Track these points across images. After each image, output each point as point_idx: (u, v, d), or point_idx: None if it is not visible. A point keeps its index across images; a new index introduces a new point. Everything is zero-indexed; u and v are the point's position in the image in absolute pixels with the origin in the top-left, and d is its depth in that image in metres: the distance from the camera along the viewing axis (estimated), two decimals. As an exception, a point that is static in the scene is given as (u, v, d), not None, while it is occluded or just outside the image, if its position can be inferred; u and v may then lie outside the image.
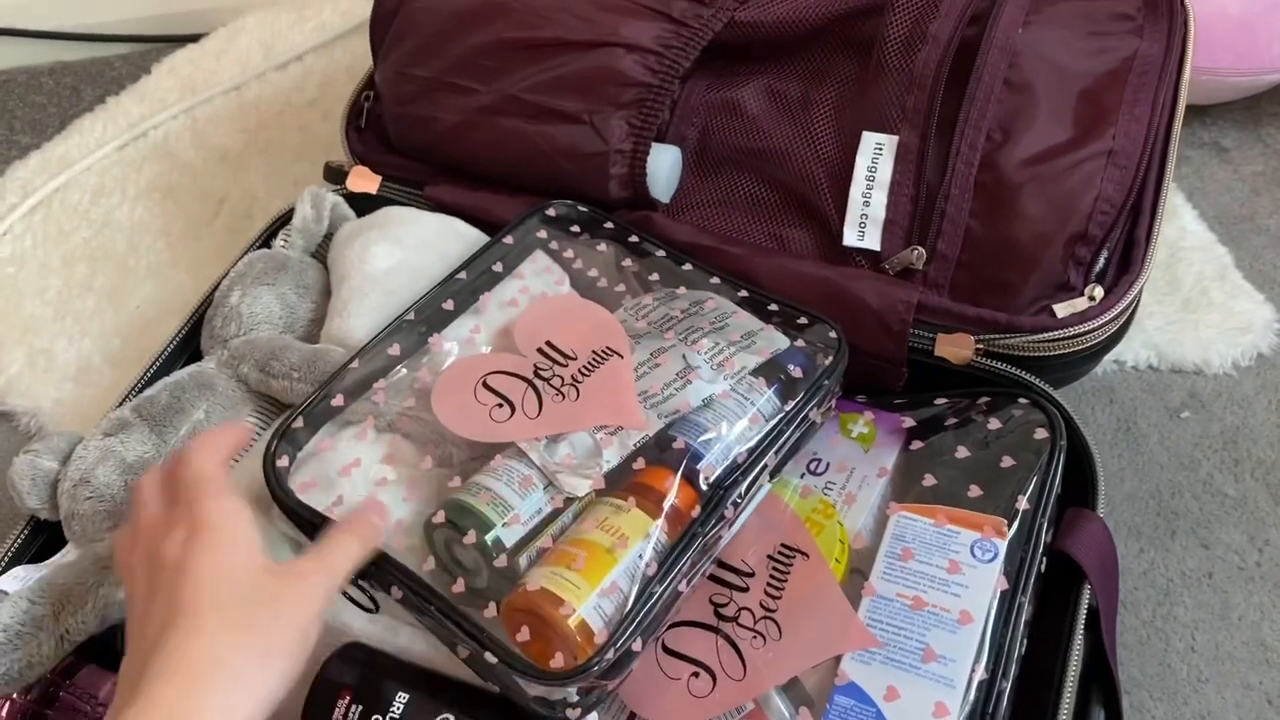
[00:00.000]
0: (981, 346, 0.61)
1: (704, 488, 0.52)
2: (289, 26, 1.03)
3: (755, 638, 0.52)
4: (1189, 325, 0.78)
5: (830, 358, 0.57)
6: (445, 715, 0.49)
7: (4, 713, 0.56)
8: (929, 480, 0.56)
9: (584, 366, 0.57)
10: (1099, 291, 0.61)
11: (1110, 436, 0.73)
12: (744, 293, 0.60)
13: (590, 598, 0.47)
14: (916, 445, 0.58)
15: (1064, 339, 0.60)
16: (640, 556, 0.49)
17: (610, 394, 0.55)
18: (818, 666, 0.51)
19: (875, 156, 0.62)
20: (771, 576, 0.54)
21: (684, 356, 0.56)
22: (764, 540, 0.55)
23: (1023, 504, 0.54)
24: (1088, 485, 0.57)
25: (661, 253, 0.63)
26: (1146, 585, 0.67)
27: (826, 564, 0.53)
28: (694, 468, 0.52)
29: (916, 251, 0.61)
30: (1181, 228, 0.83)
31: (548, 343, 0.58)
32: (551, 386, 0.56)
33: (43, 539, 0.59)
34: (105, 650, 0.57)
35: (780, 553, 0.54)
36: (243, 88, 0.98)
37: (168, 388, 0.59)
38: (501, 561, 0.50)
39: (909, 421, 0.59)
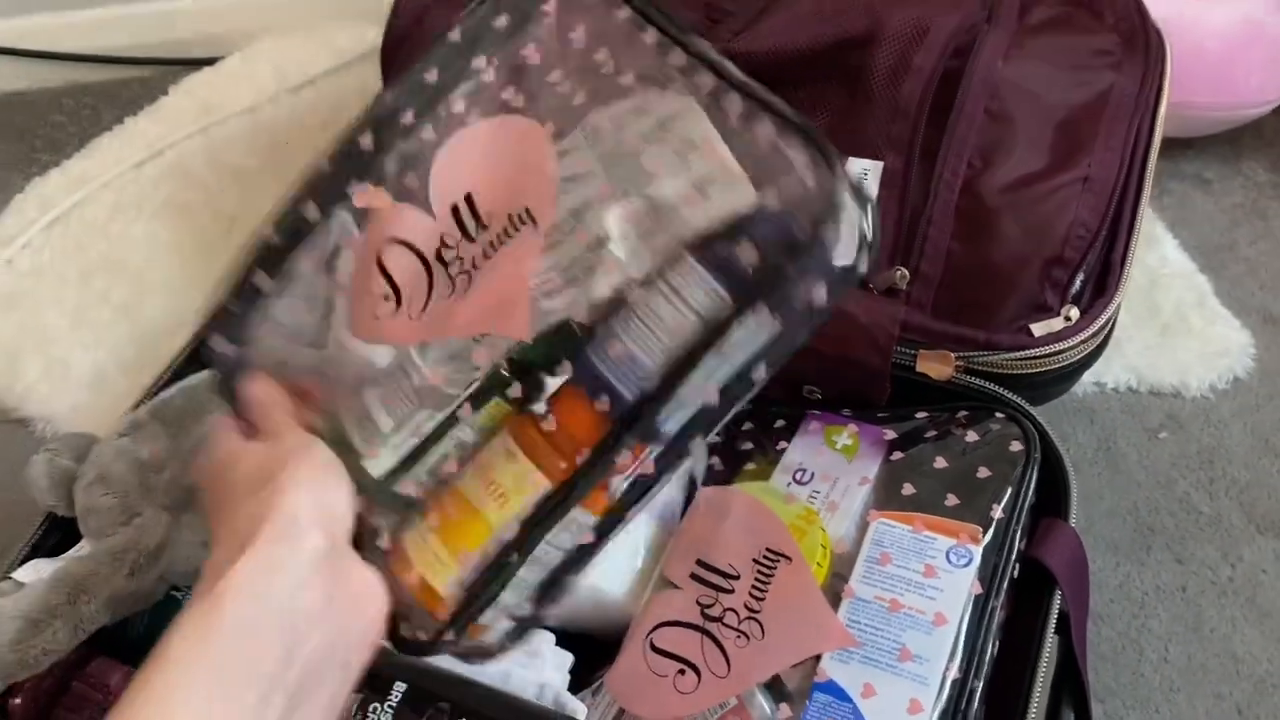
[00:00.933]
0: (961, 363, 0.63)
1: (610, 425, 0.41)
2: (301, 51, 1.06)
3: (739, 637, 0.54)
4: (1168, 349, 0.80)
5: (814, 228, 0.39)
6: (441, 704, 0.51)
7: (19, 700, 0.58)
8: (908, 489, 0.58)
9: (493, 240, 0.45)
10: (1075, 312, 0.64)
11: (1090, 455, 0.76)
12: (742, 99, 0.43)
13: (453, 572, 0.42)
14: (897, 456, 0.60)
15: (1041, 357, 0.63)
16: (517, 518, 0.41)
17: (500, 282, 0.44)
18: (798, 665, 0.53)
19: (861, 181, 0.65)
20: (756, 579, 0.56)
21: (605, 221, 0.43)
22: (749, 544, 0.57)
23: (997, 513, 0.56)
24: (1061, 496, 0.59)
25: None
26: (1122, 598, 0.69)
27: (809, 567, 0.56)
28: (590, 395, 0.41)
29: (900, 272, 0.64)
30: (1163, 256, 0.86)
31: (466, 198, 0.46)
32: (448, 273, 0.45)
33: (58, 534, 0.61)
34: (116, 642, 0.60)
35: (765, 556, 0.57)
36: (256, 110, 1.02)
37: (182, 391, 0.62)
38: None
39: (890, 434, 0.62)
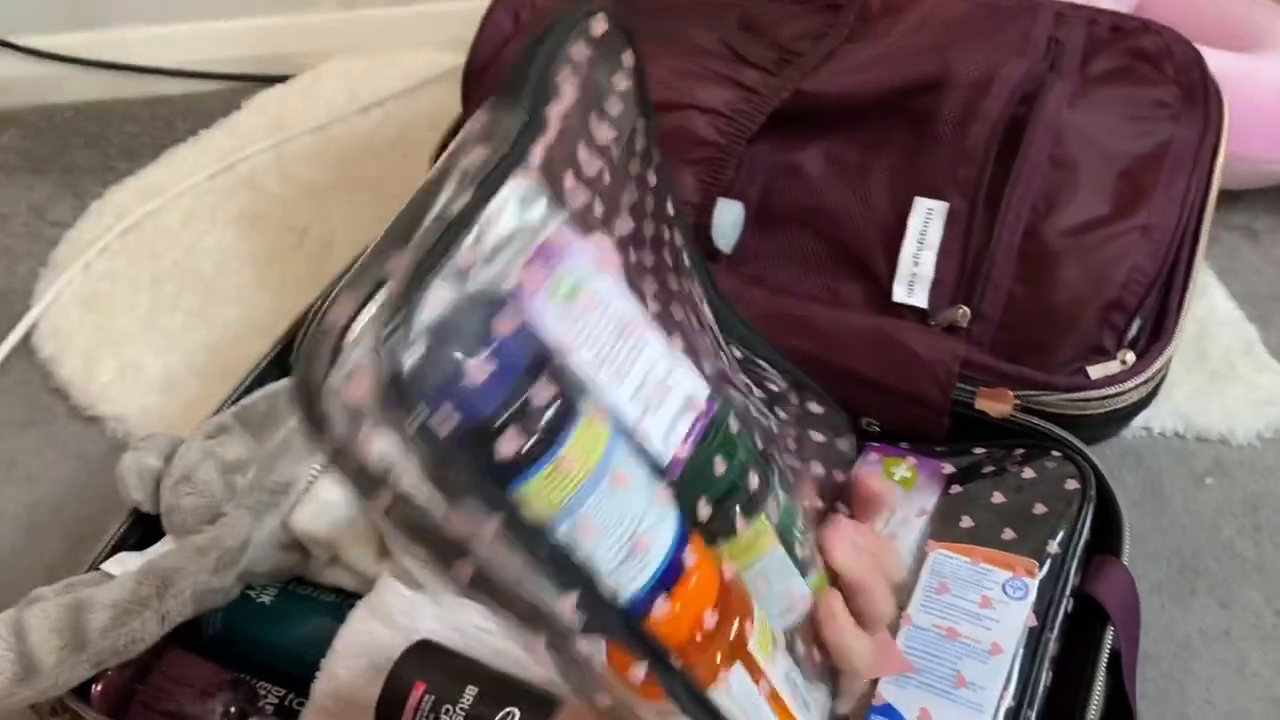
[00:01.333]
0: (1019, 402, 0.65)
1: None
2: (372, 73, 1.10)
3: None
4: (1215, 396, 0.82)
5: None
6: (510, 710, 0.53)
7: (100, 687, 0.60)
8: (966, 522, 0.60)
9: None
10: (1131, 356, 0.66)
11: (1137, 497, 0.77)
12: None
13: None
14: (955, 490, 0.62)
15: (1097, 399, 0.65)
16: None
17: None
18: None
19: (926, 220, 0.67)
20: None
21: None
22: (810, 569, 0.59)
23: (1053, 548, 0.58)
24: (1114, 535, 0.61)
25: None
26: (1166, 639, 0.70)
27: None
28: None
29: (962, 310, 0.66)
30: (1211, 304, 0.88)
31: None
32: None
33: (141, 530, 0.64)
34: (192, 636, 0.62)
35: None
36: (327, 127, 1.05)
37: (265, 397, 0.64)
38: None
39: (949, 468, 0.63)
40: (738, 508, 0.37)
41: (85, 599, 0.54)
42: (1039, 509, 0.59)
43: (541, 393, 0.30)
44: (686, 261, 0.46)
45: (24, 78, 1.10)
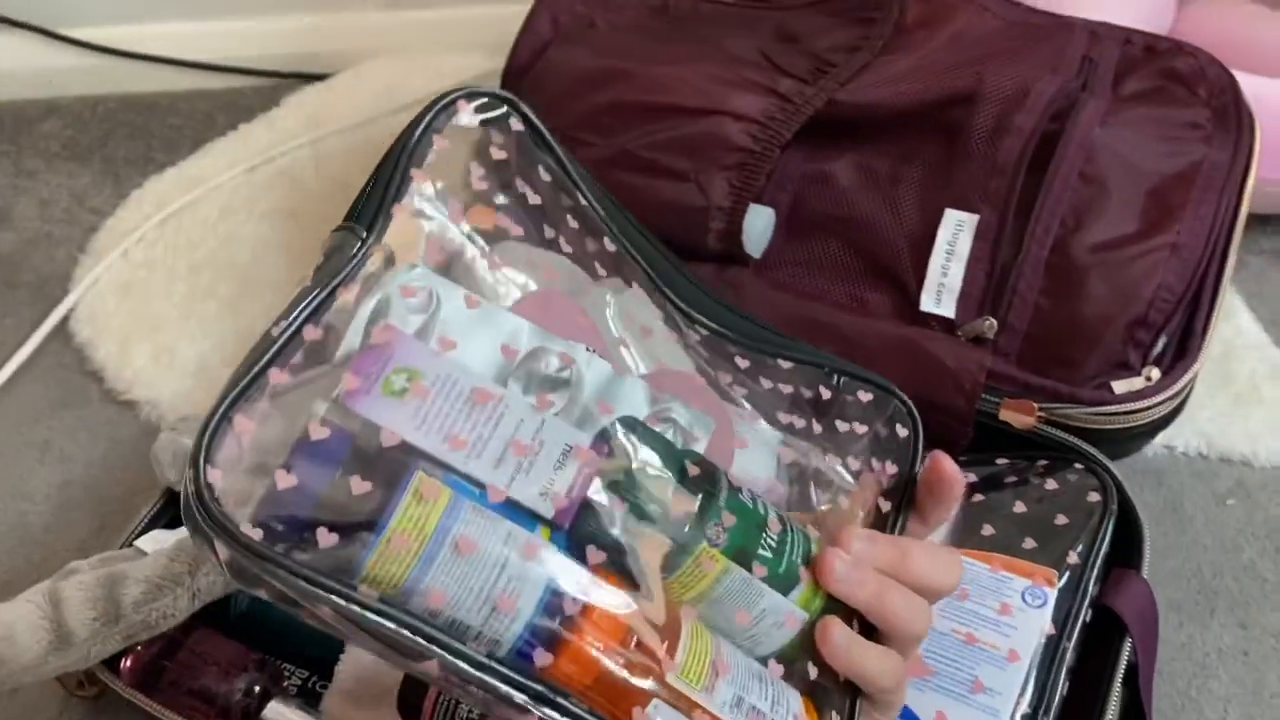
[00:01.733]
0: (1043, 414, 0.65)
1: None
2: (411, 74, 1.11)
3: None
4: (1239, 418, 0.82)
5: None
6: (531, 697, 0.54)
7: (129, 662, 0.61)
8: (987, 530, 0.60)
9: None
10: (1156, 373, 0.66)
11: (1157, 515, 0.77)
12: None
13: None
14: (977, 498, 0.63)
15: (1120, 414, 0.65)
16: None
17: None
18: (873, 689, 0.55)
19: (956, 232, 0.68)
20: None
21: None
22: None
23: (1073, 558, 0.58)
24: (1134, 548, 0.61)
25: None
26: (1184, 658, 0.70)
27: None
28: None
29: (988, 322, 0.66)
30: (1238, 327, 0.88)
31: None
32: None
33: (173, 511, 0.65)
34: (219, 616, 0.63)
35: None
36: (364, 126, 1.07)
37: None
38: None
39: (971, 477, 0.64)
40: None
41: (119, 573, 0.56)
42: (1060, 520, 0.60)
43: (357, 486, 0.34)
44: (653, 277, 0.48)
45: (70, 68, 1.12)
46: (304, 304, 0.38)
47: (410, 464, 0.35)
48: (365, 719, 0.61)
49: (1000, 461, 0.65)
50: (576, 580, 0.36)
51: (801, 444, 0.46)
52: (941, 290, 0.68)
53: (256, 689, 0.61)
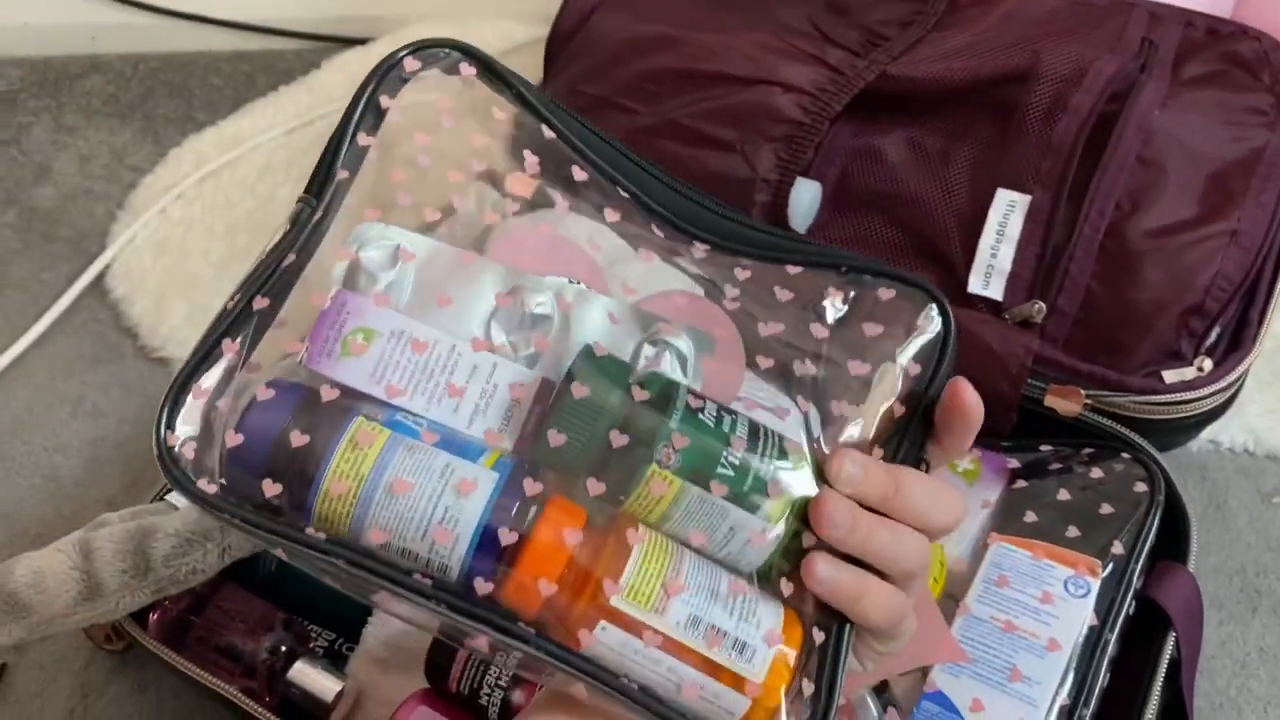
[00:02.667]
0: (1089, 402, 0.64)
1: None
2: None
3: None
4: (1289, 416, 0.80)
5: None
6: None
7: (156, 616, 0.61)
8: (1030, 517, 0.59)
9: None
10: (1208, 364, 0.64)
11: (1200, 511, 0.75)
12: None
13: None
14: (1020, 484, 0.61)
15: (1169, 404, 0.63)
16: None
17: None
18: (909, 674, 0.54)
19: (1007, 213, 0.66)
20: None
21: None
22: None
23: (1117, 548, 0.57)
24: (1180, 541, 0.60)
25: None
26: (1224, 656, 0.69)
27: (926, 582, 0.57)
28: None
29: (1037, 305, 0.65)
30: (1290, 322, 0.85)
31: None
32: None
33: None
34: (248, 574, 0.63)
35: (881, 565, 0.58)
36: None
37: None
38: None
39: (1014, 463, 0.63)
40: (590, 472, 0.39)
41: (150, 526, 0.55)
42: (1105, 509, 0.58)
43: (297, 440, 0.38)
44: (639, 198, 0.45)
45: (114, 26, 1.12)
46: (256, 276, 0.41)
47: (349, 415, 0.38)
48: (392, 683, 0.60)
49: (1044, 448, 0.63)
50: (514, 510, 0.37)
51: (812, 354, 0.43)
52: (990, 272, 0.66)
53: (283, 649, 0.61)
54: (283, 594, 0.64)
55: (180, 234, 0.94)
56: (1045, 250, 0.66)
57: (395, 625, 0.60)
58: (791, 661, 0.39)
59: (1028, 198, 0.66)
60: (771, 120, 0.69)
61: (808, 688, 0.38)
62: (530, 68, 0.84)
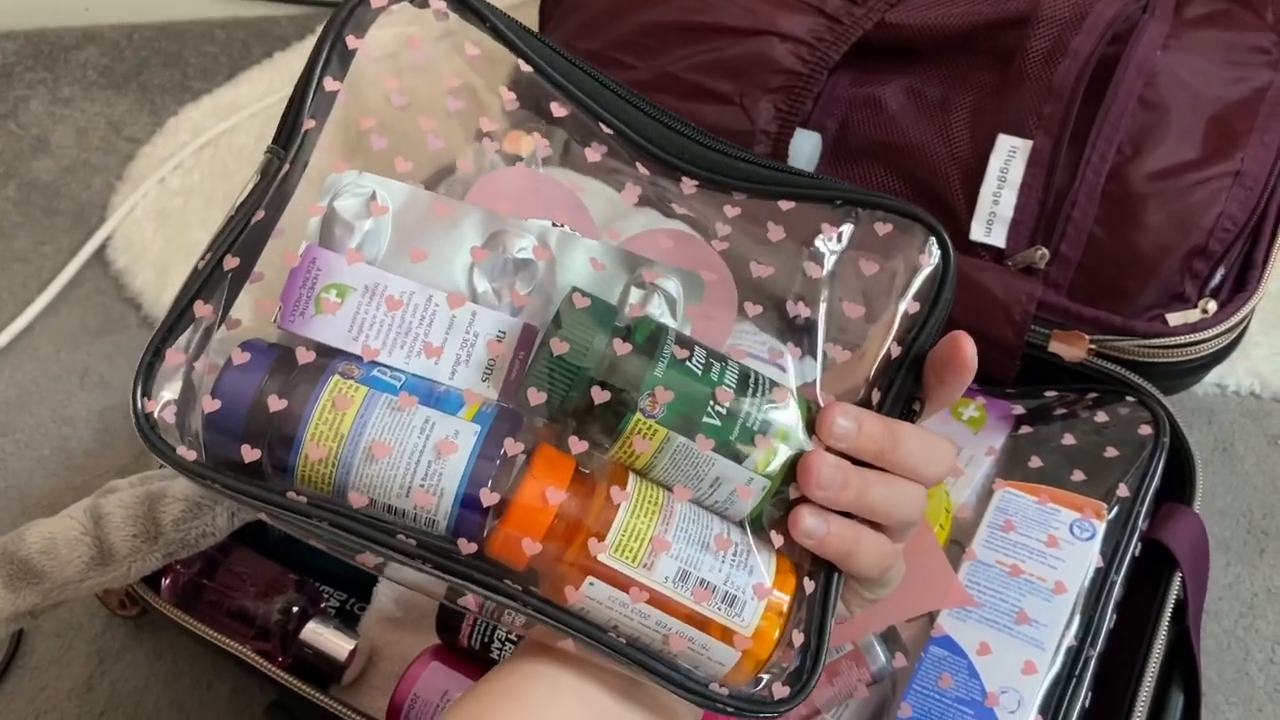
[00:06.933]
0: (1094, 347, 0.64)
1: None
2: (446, 2, 1.09)
3: (859, 587, 0.56)
4: (1295, 358, 0.79)
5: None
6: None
7: (169, 580, 0.62)
8: (1035, 462, 0.59)
9: None
10: (1212, 305, 0.64)
11: (1207, 454, 0.75)
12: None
13: None
14: (1025, 430, 0.61)
15: (1174, 346, 0.63)
16: None
17: None
18: (915, 619, 0.54)
19: (1009, 159, 0.66)
20: (877, 534, 0.57)
21: None
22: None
23: (1123, 491, 0.57)
24: (1185, 483, 0.60)
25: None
26: (1231, 597, 0.69)
27: (932, 528, 0.57)
28: None
29: (1040, 251, 0.64)
30: (1295, 265, 0.85)
31: None
32: None
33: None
34: (260, 536, 0.63)
35: (887, 513, 0.58)
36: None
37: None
38: None
39: (1019, 409, 0.63)
40: (575, 425, 0.38)
41: (159, 491, 0.56)
42: (1110, 452, 0.58)
43: (274, 404, 0.37)
44: (624, 132, 0.44)
45: (106, -4, 1.11)
46: (225, 233, 0.39)
47: (326, 374, 0.37)
48: (404, 640, 0.61)
49: (1049, 394, 0.63)
50: (497, 466, 0.37)
51: (806, 295, 0.41)
52: (992, 219, 0.66)
53: (295, 610, 0.62)
54: (294, 555, 0.64)
55: (180, 204, 0.93)
56: (1047, 196, 0.65)
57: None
58: (785, 609, 0.38)
59: (1029, 143, 0.66)
60: (769, 71, 0.69)
61: (797, 638, 0.38)
62: (526, 25, 0.83)
